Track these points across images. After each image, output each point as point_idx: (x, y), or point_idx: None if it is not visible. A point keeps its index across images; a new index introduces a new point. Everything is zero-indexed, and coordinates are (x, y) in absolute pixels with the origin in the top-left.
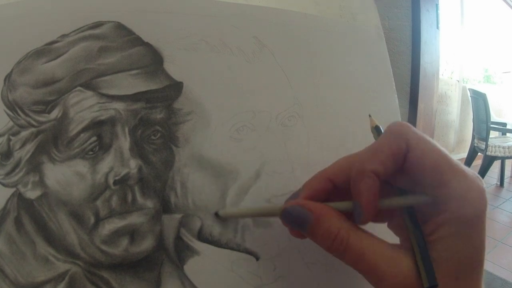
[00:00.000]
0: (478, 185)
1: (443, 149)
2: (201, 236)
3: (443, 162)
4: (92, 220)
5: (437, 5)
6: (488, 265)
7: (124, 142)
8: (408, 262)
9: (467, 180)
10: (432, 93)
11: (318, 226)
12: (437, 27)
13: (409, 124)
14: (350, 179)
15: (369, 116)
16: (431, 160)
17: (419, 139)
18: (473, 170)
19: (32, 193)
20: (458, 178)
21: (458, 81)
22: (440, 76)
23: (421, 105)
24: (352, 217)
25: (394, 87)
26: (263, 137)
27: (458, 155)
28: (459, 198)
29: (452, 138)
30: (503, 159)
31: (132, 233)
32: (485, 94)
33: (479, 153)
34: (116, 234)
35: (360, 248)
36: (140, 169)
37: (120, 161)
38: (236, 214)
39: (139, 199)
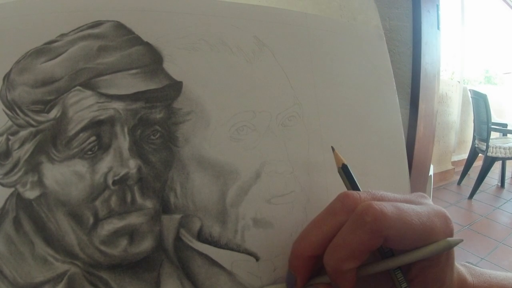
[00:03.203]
0: (442, 215)
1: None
2: (201, 237)
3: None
4: (91, 220)
5: (437, 6)
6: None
7: (123, 142)
8: None
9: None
10: (433, 93)
11: None
12: (438, 28)
13: (382, 210)
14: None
15: (332, 149)
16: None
17: (395, 228)
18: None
19: (30, 193)
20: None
21: (459, 82)
22: (441, 77)
23: (422, 106)
24: None
25: (395, 87)
26: (263, 137)
27: (459, 156)
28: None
29: (453, 139)
30: (504, 160)
31: (131, 234)
32: (485, 95)
33: (480, 154)
34: (115, 235)
35: None
36: (139, 169)
37: (119, 161)
38: None
39: (138, 199)
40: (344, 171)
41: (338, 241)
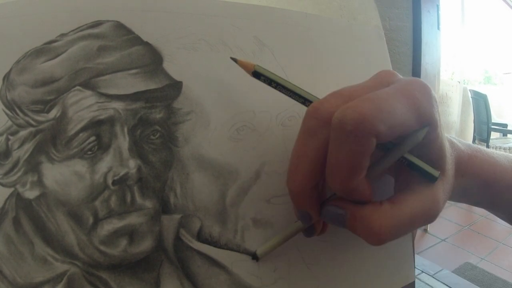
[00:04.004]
0: (418, 83)
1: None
2: (201, 237)
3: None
4: (91, 220)
5: (438, 6)
6: (489, 267)
7: (123, 142)
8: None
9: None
10: None
11: (355, 221)
12: (438, 28)
13: (360, 112)
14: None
15: (234, 60)
16: None
17: (382, 122)
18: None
19: (30, 193)
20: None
21: (459, 82)
22: (441, 77)
23: None
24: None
25: None
26: (263, 137)
27: None
28: None
29: None
30: None
31: (131, 234)
32: (485, 95)
33: None
34: (115, 235)
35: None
36: (139, 169)
37: (119, 161)
38: (272, 247)
39: (138, 199)
40: (257, 75)
41: (332, 162)
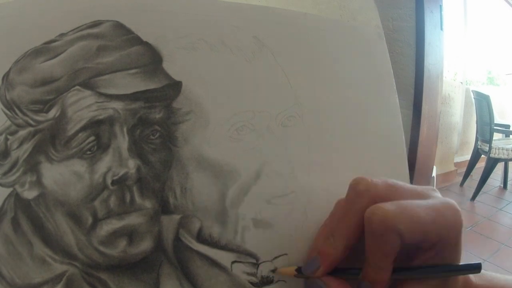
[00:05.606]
0: (451, 207)
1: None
2: (200, 237)
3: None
4: (90, 220)
5: (441, 6)
6: (492, 268)
7: (122, 142)
8: None
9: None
10: (436, 94)
11: None
12: (441, 29)
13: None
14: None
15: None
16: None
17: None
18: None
19: (29, 193)
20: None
21: (462, 82)
22: (444, 78)
23: (425, 107)
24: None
25: (395, 87)
26: (263, 137)
27: (462, 157)
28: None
29: (456, 140)
30: (506, 161)
31: (131, 234)
32: (488, 96)
33: (482, 155)
34: (114, 235)
35: None
36: (138, 169)
37: (119, 161)
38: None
39: (138, 199)
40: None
41: (369, 261)
